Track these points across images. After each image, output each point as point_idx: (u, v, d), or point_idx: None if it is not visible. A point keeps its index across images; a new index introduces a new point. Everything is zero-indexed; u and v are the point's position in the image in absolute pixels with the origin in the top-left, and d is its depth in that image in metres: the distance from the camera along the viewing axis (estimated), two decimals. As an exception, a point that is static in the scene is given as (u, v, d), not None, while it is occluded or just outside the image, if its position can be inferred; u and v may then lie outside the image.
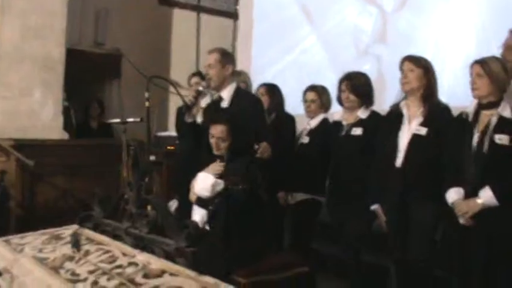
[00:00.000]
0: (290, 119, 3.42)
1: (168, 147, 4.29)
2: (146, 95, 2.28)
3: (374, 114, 2.84)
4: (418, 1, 3.96)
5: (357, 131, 2.82)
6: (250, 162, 2.57)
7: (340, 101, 2.92)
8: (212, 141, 2.65)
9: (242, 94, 2.93)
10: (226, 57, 2.90)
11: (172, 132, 4.30)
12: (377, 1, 4.26)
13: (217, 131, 2.64)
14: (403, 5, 4.06)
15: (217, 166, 2.59)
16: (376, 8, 4.25)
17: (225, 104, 2.89)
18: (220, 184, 2.52)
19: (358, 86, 2.85)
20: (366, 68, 4.10)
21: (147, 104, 2.24)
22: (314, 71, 4.49)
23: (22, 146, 3.40)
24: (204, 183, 2.53)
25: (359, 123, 2.83)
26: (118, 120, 3.38)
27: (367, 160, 2.63)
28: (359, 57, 4.25)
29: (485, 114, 2.27)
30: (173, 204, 3.27)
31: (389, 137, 2.53)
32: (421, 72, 2.50)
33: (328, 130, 3.08)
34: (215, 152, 2.65)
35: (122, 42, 5.35)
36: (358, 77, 2.89)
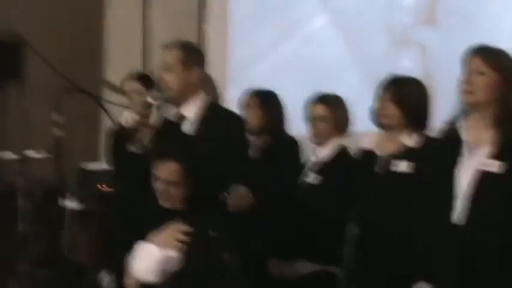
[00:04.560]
0: (291, 144, 3.50)
1: (101, 187, 4.33)
2: (55, 117, 2.24)
3: (428, 141, 2.88)
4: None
5: (402, 167, 2.85)
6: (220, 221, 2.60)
7: (374, 116, 2.96)
8: (158, 186, 2.66)
9: (213, 110, 2.97)
10: (192, 55, 2.96)
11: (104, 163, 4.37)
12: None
13: (165, 172, 2.66)
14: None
15: (176, 231, 2.57)
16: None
17: (187, 126, 2.92)
18: (174, 260, 2.53)
19: (406, 96, 2.90)
20: (405, 63, 4.08)
21: (56, 131, 2.20)
22: (325, 70, 4.50)
23: None
24: (146, 261, 2.55)
25: (405, 153, 2.87)
26: (11, 155, 3.33)
27: (415, 213, 2.64)
28: (395, 47, 4.28)
29: None
30: (104, 278, 3.32)
31: (442, 176, 2.53)
32: (496, 77, 2.50)
33: (348, 164, 3.12)
34: (162, 204, 2.69)
35: (24, 25, 5.23)
36: (408, 83, 2.95)
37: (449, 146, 2.56)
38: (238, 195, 2.78)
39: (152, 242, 2.60)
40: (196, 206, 2.64)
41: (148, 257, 2.54)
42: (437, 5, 4.15)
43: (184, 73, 2.90)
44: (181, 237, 2.56)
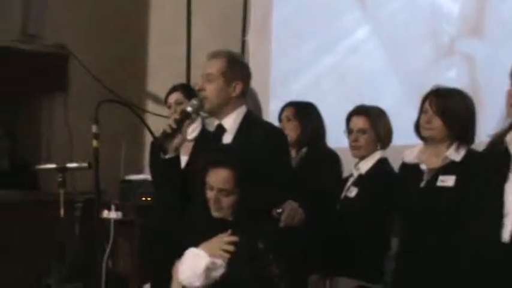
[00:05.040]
0: (331, 158, 3.52)
1: (144, 198, 4.38)
2: (94, 128, 2.26)
3: (472, 155, 2.85)
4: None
5: (448, 181, 2.83)
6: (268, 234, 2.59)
7: (418, 128, 2.94)
8: (210, 195, 2.65)
9: (254, 123, 2.94)
10: (236, 68, 2.92)
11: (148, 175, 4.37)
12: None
13: (218, 179, 2.63)
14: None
15: (223, 242, 2.58)
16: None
17: (227, 138, 2.90)
18: (220, 268, 2.54)
19: (451, 108, 2.87)
20: (451, 75, 4.02)
21: (94, 143, 2.22)
22: (367, 81, 4.49)
23: None
24: (194, 266, 2.55)
25: (451, 168, 2.85)
26: (52, 165, 3.36)
27: (461, 229, 2.61)
28: (439, 58, 4.23)
29: None
30: (147, 290, 3.34)
31: (489, 192, 2.48)
32: None
33: (390, 178, 3.13)
34: (214, 213, 2.66)
35: (68, 36, 5.37)
36: (453, 95, 2.92)
37: (497, 160, 2.49)
38: (291, 212, 2.72)
39: (200, 249, 2.59)
40: (247, 217, 2.62)
41: (196, 263, 2.53)
42: (484, 15, 4.10)
43: (226, 85, 2.87)
44: (229, 247, 2.56)
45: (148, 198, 4.33)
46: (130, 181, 4.74)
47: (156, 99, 5.52)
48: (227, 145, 2.87)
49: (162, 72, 5.70)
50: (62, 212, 3.15)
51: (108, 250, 3.95)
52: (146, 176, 4.54)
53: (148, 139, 5.00)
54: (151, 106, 5.68)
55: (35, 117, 5.38)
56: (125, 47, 5.67)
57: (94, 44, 5.42)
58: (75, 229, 4.14)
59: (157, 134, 2.98)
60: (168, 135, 2.84)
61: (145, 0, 5.92)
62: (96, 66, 5.27)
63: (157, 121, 4.71)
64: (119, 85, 5.28)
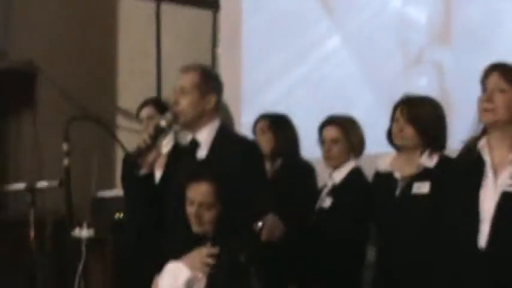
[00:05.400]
0: (306, 169, 3.50)
1: (117, 216, 4.31)
2: (65, 146, 2.22)
3: (445, 161, 2.85)
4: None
5: (423, 188, 2.83)
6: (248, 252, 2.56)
7: (390, 137, 2.95)
8: (190, 210, 2.63)
9: (228, 137, 2.94)
10: (210, 81, 2.92)
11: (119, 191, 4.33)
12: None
13: (199, 193, 2.61)
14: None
15: (203, 255, 2.56)
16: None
17: (202, 152, 2.88)
18: (201, 281, 2.53)
19: (421, 116, 2.89)
20: (421, 83, 4.03)
21: (65, 162, 2.18)
22: (339, 91, 4.49)
23: None
24: (174, 280, 2.53)
25: (426, 175, 2.85)
26: (21, 184, 3.33)
27: (438, 236, 2.60)
28: (409, 67, 4.25)
29: None
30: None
31: (464, 198, 2.49)
32: None
33: (364, 187, 3.13)
34: (194, 229, 2.63)
35: (36, 52, 5.31)
36: (423, 103, 2.94)
37: (471, 166, 2.51)
38: (272, 225, 2.73)
39: (181, 262, 2.58)
40: (227, 230, 2.60)
41: (176, 276, 2.52)
42: (451, 24, 4.13)
43: (200, 99, 2.85)
44: (209, 260, 2.55)
45: (121, 215, 4.27)
46: (102, 198, 4.70)
47: (127, 114, 5.48)
48: (205, 159, 2.85)
49: (132, 87, 5.68)
50: (32, 233, 3.08)
51: (80, 270, 3.87)
52: (118, 192, 4.47)
53: (120, 154, 4.97)
54: (122, 121, 5.64)
55: (2, 135, 5.29)
56: (94, 63, 5.63)
57: (63, 60, 5.39)
58: (46, 251, 4.06)
59: (130, 149, 2.94)
60: (142, 151, 2.82)
61: (114, 16, 5.90)
62: (65, 83, 5.21)
63: (129, 136, 4.70)
64: (89, 101, 5.23)
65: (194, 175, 2.64)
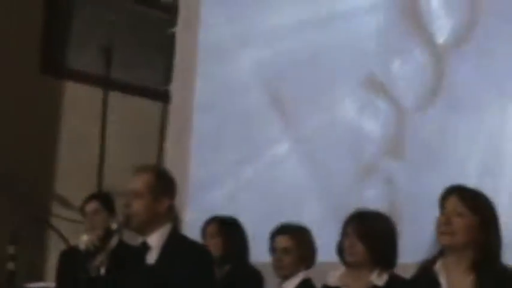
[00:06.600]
0: (254, 277, 3.50)
1: None
2: (11, 250, 2.10)
3: (395, 281, 2.84)
4: (456, 93, 4.02)
5: None
6: None
7: (341, 251, 2.92)
8: None
9: (178, 241, 2.88)
10: (164, 183, 2.89)
11: (50, 283, 4.22)
12: (390, 92, 4.29)
13: None
14: (432, 100, 4.10)
15: None
16: (389, 103, 4.27)
17: (151, 256, 2.81)
18: None
19: (373, 233, 2.87)
20: (370, 194, 4.05)
21: (11, 266, 2.05)
22: (287, 196, 4.48)
23: None
24: None
25: None
26: None
27: None
28: (360, 178, 4.27)
29: None
30: None
31: None
32: (476, 220, 2.47)
33: None
34: None
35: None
36: (376, 220, 2.94)
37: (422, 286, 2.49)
38: None
39: None
40: None
41: None
42: (405, 139, 4.21)
43: (153, 202, 2.82)
44: None
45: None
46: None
47: (64, 203, 5.32)
48: (148, 266, 2.78)
49: (72, 176, 5.55)
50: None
51: None
52: (47, 284, 4.32)
53: (53, 243, 4.78)
54: (57, 209, 5.45)
55: None
56: (34, 147, 5.48)
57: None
58: None
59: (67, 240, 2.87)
60: (90, 253, 2.76)
61: (58, 100, 5.79)
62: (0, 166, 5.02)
63: (64, 225, 4.56)
64: (25, 186, 5.05)
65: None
